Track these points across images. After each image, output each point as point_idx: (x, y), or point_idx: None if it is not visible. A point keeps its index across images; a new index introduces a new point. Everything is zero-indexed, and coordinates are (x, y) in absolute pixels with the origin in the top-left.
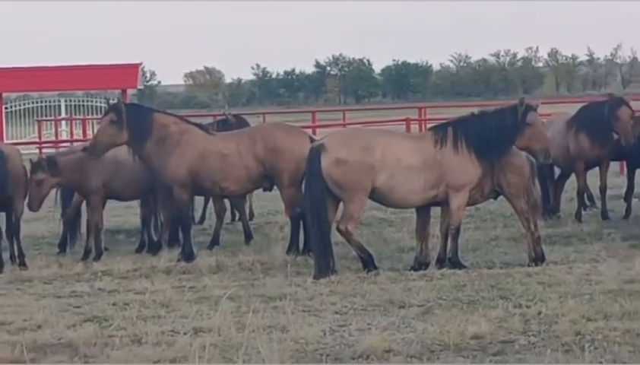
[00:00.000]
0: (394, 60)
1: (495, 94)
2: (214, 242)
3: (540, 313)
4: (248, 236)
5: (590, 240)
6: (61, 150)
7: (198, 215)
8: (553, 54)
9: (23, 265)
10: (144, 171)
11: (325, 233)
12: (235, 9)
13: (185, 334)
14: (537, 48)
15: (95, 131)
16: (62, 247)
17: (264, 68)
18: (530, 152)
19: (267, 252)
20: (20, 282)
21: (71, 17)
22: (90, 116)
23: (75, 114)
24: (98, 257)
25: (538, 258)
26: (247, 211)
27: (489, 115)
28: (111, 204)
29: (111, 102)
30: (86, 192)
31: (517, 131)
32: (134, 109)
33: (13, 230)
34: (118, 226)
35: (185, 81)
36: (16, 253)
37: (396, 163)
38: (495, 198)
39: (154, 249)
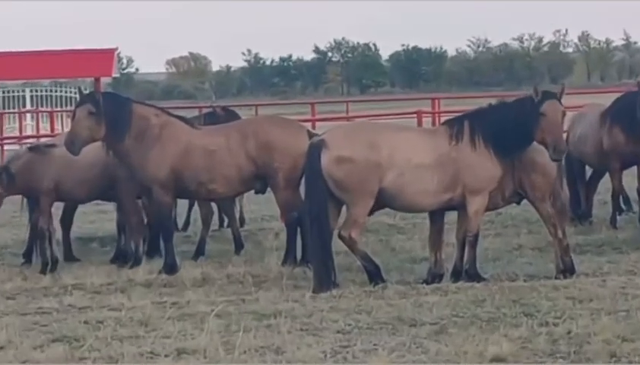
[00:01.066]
0: (403, 45)
1: (519, 84)
2: (200, 251)
3: (569, 332)
4: (239, 245)
5: (626, 249)
6: (10, 156)
7: (181, 221)
8: (584, 38)
9: None
10: (100, 169)
11: (326, 240)
12: None
13: (166, 356)
14: (566, 31)
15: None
16: (28, 257)
17: (256, 54)
18: (543, 146)
19: (260, 262)
20: None
21: None
22: (58, 109)
23: (42, 106)
24: (44, 268)
25: (567, 270)
26: (237, 216)
27: (508, 106)
28: (83, 208)
29: (84, 91)
30: (35, 193)
31: (534, 124)
32: (111, 99)
33: None
34: (90, 233)
35: (167, 69)
36: None
37: (406, 161)
38: (519, 203)
39: (132, 259)
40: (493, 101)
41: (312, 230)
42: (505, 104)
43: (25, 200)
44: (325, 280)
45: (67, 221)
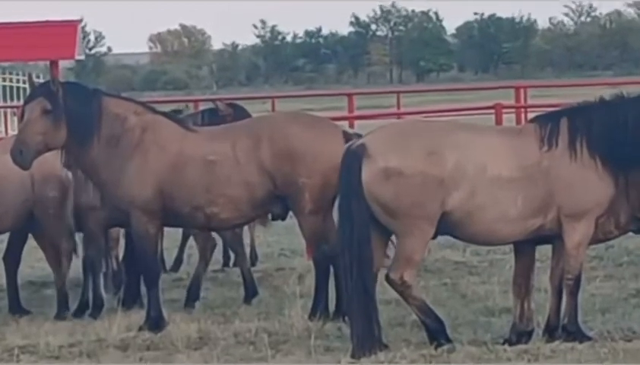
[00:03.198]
0: (476, 13)
1: (637, 66)
2: (193, 296)
3: None
4: (250, 291)
5: None
6: None
7: (170, 259)
8: None
9: None
10: (18, 191)
11: (369, 284)
12: None
13: None
14: None
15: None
16: None
17: (273, 27)
18: None
19: (279, 315)
20: None
21: None
22: (2, 103)
23: None
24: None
25: None
26: (247, 251)
27: (630, 101)
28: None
29: (37, 80)
30: None
31: None
32: (74, 92)
33: None
34: (44, 276)
35: (151, 48)
36: None
37: (479, 174)
38: (638, 232)
39: (98, 311)
40: (605, 92)
41: (351, 271)
42: (623, 98)
43: None
44: (368, 339)
45: (13, 259)
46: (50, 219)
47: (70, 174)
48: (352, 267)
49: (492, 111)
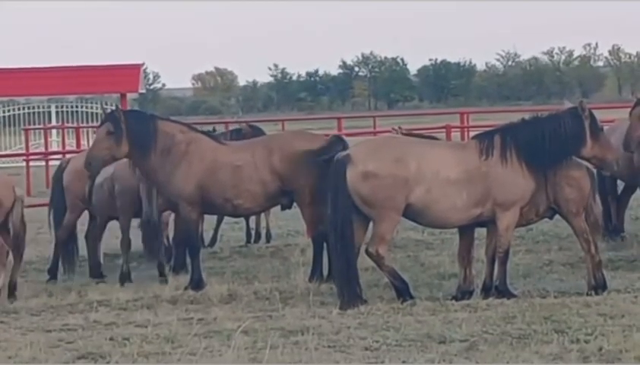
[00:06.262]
0: (431, 59)
1: (549, 98)
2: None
3: (600, 349)
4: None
5: None
6: None
7: (208, 237)
8: (615, 52)
9: (11, 296)
10: None
11: (351, 256)
12: (248, 2)
13: None
14: (597, 45)
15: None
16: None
17: (283, 69)
18: (600, 163)
19: (287, 278)
20: (4, 314)
21: (63, 12)
22: (84, 124)
23: (67, 122)
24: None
25: (599, 286)
26: (263, 232)
27: (543, 120)
28: (109, 224)
29: (107, 109)
30: None
31: (583, 140)
32: (134, 117)
33: None
34: (117, 249)
35: (194, 84)
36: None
37: (434, 175)
38: (552, 218)
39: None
40: (526, 116)
41: (336, 246)
42: (539, 119)
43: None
44: (352, 296)
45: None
46: None
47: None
48: (337, 244)
49: (444, 130)
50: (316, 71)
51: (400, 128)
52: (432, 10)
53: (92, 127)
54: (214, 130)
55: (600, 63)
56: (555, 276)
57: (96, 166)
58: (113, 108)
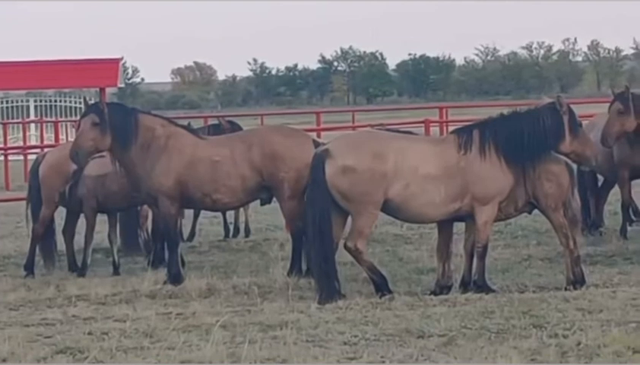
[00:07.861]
0: (410, 54)
1: (528, 92)
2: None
3: (579, 344)
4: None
5: (636, 260)
6: None
7: (186, 231)
8: (594, 47)
9: None
10: None
11: (329, 251)
12: None
13: None
14: (575, 40)
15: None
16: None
17: (262, 64)
18: (579, 158)
19: (266, 273)
20: None
21: (42, 6)
22: (62, 118)
23: (46, 116)
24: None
25: (577, 281)
26: (242, 227)
27: (522, 115)
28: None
29: (89, 101)
30: None
31: (561, 135)
32: (117, 110)
33: None
34: (96, 243)
35: (173, 79)
36: None
37: (412, 171)
38: (530, 213)
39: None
40: (504, 110)
41: (315, 241)
42: (518, 114)
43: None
44: (329, 291)
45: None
46: None
47: None
48: (315, 238)
49: (423, 125)
50: (295, 66)
51: (382, 125)
52: (411, 4)
53: (71, 121)
54: (189, 125)
55: (579, 58)
56: (533, 271)
57: (83, 157)
58: (95, 101)
